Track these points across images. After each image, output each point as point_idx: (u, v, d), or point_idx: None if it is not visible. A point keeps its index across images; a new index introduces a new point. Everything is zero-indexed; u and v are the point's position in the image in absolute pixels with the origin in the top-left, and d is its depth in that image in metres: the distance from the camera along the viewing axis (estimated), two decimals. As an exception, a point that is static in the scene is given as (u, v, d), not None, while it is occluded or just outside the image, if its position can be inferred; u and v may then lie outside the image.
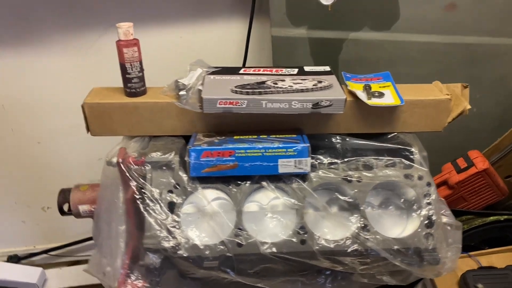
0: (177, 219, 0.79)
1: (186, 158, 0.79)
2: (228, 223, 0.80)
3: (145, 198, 0.79)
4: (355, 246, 0.79)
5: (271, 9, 1.21)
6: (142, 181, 0.80)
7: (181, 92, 0.84)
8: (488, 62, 1.26)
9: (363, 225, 0.81)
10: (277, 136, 0.83)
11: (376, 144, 0.86)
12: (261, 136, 0.83)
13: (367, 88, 0.87)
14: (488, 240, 1.24)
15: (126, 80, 0.85)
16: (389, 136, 0.90)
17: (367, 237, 0.80)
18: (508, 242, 1.21)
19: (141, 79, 0.86)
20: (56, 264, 1.75)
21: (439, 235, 0.81)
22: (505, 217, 1.22)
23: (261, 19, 1.35)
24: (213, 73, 0.89)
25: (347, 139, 0.87)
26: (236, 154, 0.79)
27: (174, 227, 0.78)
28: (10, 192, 1.61)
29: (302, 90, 0.82)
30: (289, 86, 0.83)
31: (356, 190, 0.82)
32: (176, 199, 0.80)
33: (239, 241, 0.78)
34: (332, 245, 0.79)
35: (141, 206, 0.79)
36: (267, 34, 1.37)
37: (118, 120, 0.86)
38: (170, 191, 0.80)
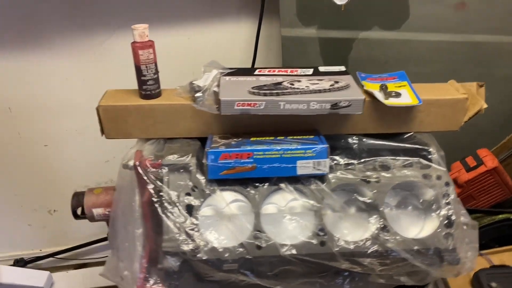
0: (195, 221, 0.78)
1: (204, 161, 0.79)
2: (247, 225, 0.79)
3: (163, 201, 0.78)
4: (375, 247, 0.79)
5: (281, 9, 1.21)
6: (160, 183, 0.79)
7: (197, 94, 0.83)
8: (497, 60, 1.26)
9: (382, 226, 0.80)
10: (294, 137, 0.82)
11: (394, 144, 0.86)
12: (278, 138, 0.83)
13: (383, 88, 0.86)
14: (497, 238, 1.24)
15: (141, 82, 0.84)
16: (405, 136, 0.89)
17: (387, 238, 0.79)
18: (517, 240, 1.21)
19: (156, 81, 0.85)
20: (62, 268, 1.74)
21: (458, 235, 0.81)
22: (514, 215, 1.21)
23: (269, 19, 1.34)
24: (228, 74, 0.89)
25: (364, 139, 0.87)
26: (255, 156, 0.78)
27: (192, 230, 0.78)
28: (16, 195, 1.59)
29: (319, 91, 0.81)
30: (305, 86, 0.83)
31: (375, 191, 0.82)
32: (194, 201, 0.80)
33: (259, 244, 0.78)
34: (352, 246, 0.79)
35: (159, 209, 0.78)
36: (275, 34, 1.37)
37: (133, 123, 0.85)
38: (188, 194, 0.80)
